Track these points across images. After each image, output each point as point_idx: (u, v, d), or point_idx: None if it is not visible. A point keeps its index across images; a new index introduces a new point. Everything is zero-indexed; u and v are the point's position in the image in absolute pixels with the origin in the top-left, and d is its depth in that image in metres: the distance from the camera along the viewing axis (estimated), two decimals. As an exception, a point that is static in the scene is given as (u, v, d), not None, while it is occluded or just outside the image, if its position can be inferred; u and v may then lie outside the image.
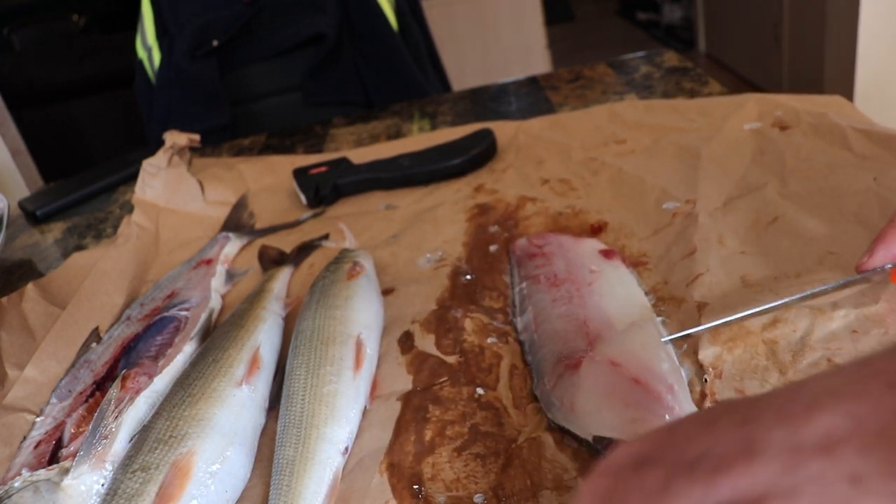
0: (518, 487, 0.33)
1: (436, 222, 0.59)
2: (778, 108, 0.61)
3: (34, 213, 0.81)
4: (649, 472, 0.22)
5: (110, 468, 0.36)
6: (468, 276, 0.50)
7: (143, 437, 0.37)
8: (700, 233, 0.47)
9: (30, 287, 0.55)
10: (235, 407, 0.38)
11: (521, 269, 0.49)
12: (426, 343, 0.44)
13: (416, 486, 0.34)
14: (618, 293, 0.44)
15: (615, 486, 0.23)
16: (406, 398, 0.40)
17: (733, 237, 0.47)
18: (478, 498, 0.33)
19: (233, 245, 0.61)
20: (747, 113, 0.62)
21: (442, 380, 0.40)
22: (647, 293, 0.44)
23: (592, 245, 0.49)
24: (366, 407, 0.40)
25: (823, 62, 1.93)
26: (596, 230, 0.52)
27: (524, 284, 0.47)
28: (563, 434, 0.35)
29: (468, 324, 0.45)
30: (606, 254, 0.48)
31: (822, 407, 0.19)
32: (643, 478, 0.22)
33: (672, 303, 0.42)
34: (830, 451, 0.18)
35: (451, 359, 0.42)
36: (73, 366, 0.47)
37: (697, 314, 0.40)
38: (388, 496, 0.34)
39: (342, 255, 0.52)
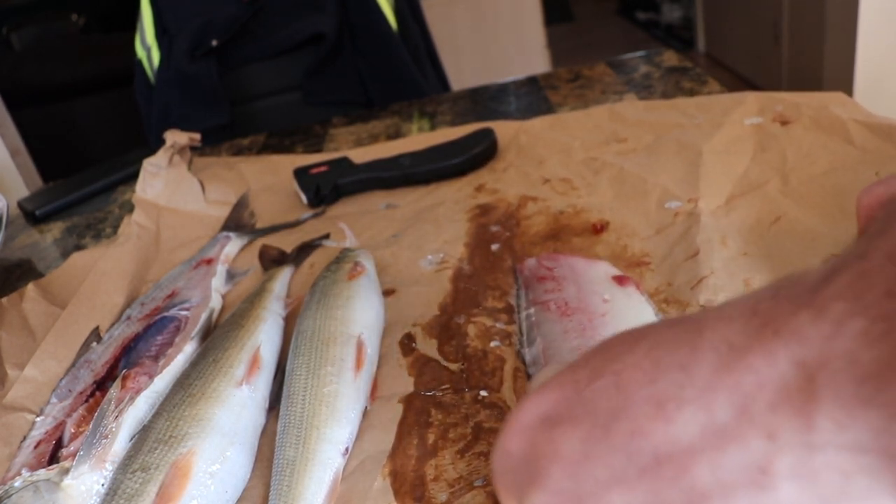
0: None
1: (437, 222, 0.59)
2: (778, 103, 0.61)
3: (33, 213, 0.81)
4: (564, 434, 0.21)
5: (110, 468, 0.36)
6: (470, 278, 0.50)
7: (143, 437, 0.37)
8: (703, 233, 0.47)
9: (30, 287, 0.55)
10: (236, 407, 0.38)
11: (530, 293, 0.46)
12: (428, 346, 0.44)
13: (418, 496, 0.34)
14: (632, 326, 0.41)
15: (530, 450, 0.21)
16: (408, 400, 0.40)
17: (736, 237, 0.46)
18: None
19: (233, 245, 0.61)
20: (748, 108, 0.62)
21: (444, 386, 0.40)
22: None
23: (605, 269, 0.46)
24: (366, 407, 0.40)
25: (823, 61, 1.93)
26: (598, 230, 0.52)
27: (532, 310, 0.44)
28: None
29: (471, 329, 0.44)
30: (620, 280, 0.45)
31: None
32: (559, 441, 0.21)
33: (677, 306, 0.42)
34: (745, 410, 0.17)
35: (454, 366, 0.42)
36: (73, 365, 0.47)
37: None
38: (390, 499, 0.34)
39: (343, 255, 0.51)
